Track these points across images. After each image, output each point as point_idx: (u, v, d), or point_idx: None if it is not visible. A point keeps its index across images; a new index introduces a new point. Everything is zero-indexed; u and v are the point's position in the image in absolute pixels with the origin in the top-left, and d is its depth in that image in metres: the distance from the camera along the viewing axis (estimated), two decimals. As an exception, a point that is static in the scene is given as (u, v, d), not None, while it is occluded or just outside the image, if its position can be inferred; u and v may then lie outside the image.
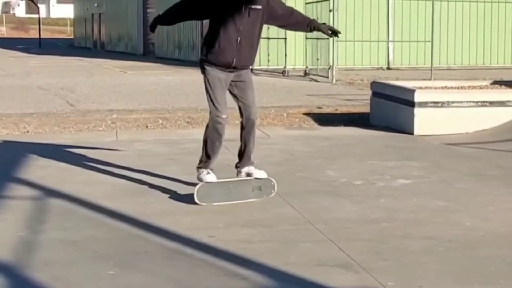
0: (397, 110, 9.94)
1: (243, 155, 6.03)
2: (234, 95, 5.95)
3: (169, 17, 6.03)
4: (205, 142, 5.87)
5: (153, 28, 5.98)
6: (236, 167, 6.09)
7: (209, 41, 5.76)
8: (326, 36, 20.05)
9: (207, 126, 5.88)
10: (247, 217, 5.47)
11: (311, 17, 6.53)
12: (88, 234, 5.00)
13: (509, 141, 8.84)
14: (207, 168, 5.88)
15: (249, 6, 5.65)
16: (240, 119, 6.00)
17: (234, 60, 5.73)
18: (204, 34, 6.00)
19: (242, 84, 5.88)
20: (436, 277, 4.17)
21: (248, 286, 4.04)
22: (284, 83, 18.09)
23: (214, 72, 5.78)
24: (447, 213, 5.58)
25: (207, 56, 5.78)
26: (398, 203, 5.90)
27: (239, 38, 5.69)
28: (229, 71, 5.79)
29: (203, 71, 5.85)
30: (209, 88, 5.80)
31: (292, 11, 6.01)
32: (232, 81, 5.85)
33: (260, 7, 5.70)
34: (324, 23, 6.49)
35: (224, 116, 5.77)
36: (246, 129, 5.94)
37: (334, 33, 6.10)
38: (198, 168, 5.95)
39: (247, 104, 5.90)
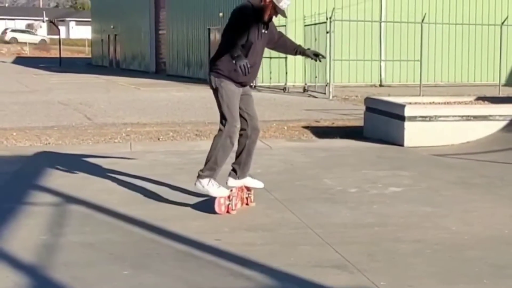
0: (388, 124, 9.95)
1: (244, 164, 5.86)
2: (239, 108, 5.82)
3: (238, 47, 5.49)
4: (217, 151, 5.64)
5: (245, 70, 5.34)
6: (235, 176, 5.85)
7: (230, 61, 5.46)
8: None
9: (218, 136, 5.68)
10: (250, 222, 5.48)
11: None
12: (104, 237, 5.01)
13: (491, 152, 8.85)
14: (213, 178, 5.67)
15: (262, 31, 5.70)
16: (243, 131, 5.83)
17: (251, 79, 5.76)
18: (215, 52, 5.81)
19: (246, 97, 5.85)
20: (424, 277, 4.17)
21: (252, 286, 4.04)
22: (284, 99, 18.11)
23: (231, 86, 5.68)
24: (435, 218, 5.58)
25: (230, 74, 5.61)
26: (389, 209, 5.90)
27: (257, 59, 5.73)
28: (241, 87, 5.76)
29: (220, 85, 5.67)
30: (227, 100, 5.66)
31: (282, 35, 6.07)
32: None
33: (267, 31, 5.77)
34: (309, 48, 6.50)
35: (239, 126, 5.68)
36: (251, 139, 5.84)
37: (318, 57, 6.11)
38: (204, 176, 5.67)
39: (253, 116, 5.86)
